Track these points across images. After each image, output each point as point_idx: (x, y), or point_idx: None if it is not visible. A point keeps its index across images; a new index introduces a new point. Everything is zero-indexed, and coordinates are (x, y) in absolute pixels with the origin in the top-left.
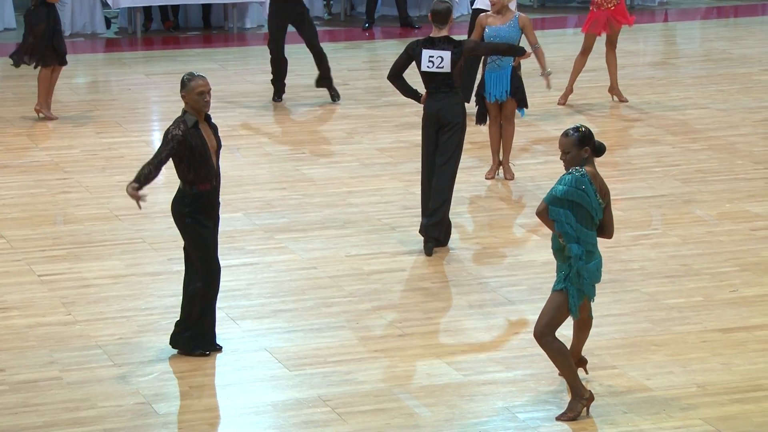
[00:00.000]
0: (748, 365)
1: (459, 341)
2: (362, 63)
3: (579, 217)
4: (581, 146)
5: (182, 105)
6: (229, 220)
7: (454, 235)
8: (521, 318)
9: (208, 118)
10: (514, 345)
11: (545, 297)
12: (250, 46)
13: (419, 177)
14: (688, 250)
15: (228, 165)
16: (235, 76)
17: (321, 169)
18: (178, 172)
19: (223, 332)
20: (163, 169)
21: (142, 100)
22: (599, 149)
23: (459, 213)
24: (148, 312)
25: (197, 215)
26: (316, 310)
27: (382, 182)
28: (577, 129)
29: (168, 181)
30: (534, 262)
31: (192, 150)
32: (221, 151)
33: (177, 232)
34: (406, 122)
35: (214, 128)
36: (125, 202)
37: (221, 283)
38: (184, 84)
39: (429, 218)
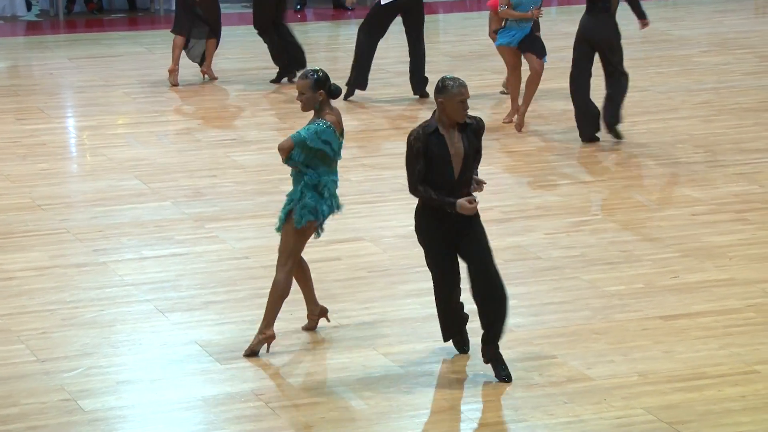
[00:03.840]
0: (690, 353)
1: (396, 332)
2: None
3: (315, 158)
4: (317, 89)
5: (113, 92)
6: (157, 209)
7: (392, 223)
8: None
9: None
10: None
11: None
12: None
13: (355, 162)
14: (628, 236)
15: (155, 152)
16: (163, 60)
17: (253, 156)
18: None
19: (151, 325)
20: (88, 160)
21: (65, 85)
22: (334, 92)
23: (397, 199)
24: (73, 305)
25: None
26: (248, 301)
27: None
28: (315, 72)
29: (92, 169)
30: None
31: (429, 159)
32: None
33: (102, 222)
34: (341, 106)
35: (470, 132)
36: (49, 191)
37: (150, 275)
38: (445, 89)
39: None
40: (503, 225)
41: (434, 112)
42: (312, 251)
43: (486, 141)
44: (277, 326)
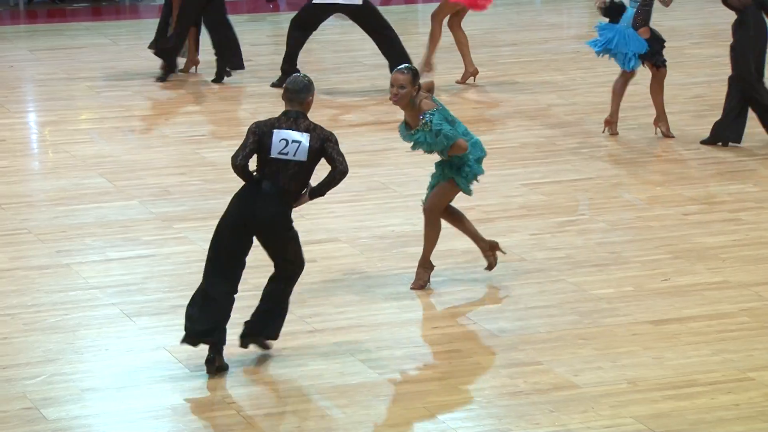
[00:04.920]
0: (681, 359)
1: (374, 337)
2: (266, 37)
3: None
4: (416, 83)
5: (76, 85)
6: (122, 209)
7: (368, 223)
8: (440, 311)
9: None
10: (433, 340)
11: (466, 288)
12: (143, 19)
13: None
14: (616, 237)
15: (121, 148)
16: (128, 52)
17: (223, 153)
18: None
19: (117, 330)
20: (50, 157)
21: (26, 78)
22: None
23: (374, 198)
24: (35, 309)
25: None
26: None
27: None
28: (411, 67)
29: (54, 166)
30: (453, 251)
31: None
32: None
33: (65, 222)
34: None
35: None
36: (9, 190)
37: (115, 277)
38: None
39: None
40: (485, 225)
41: None
42: None
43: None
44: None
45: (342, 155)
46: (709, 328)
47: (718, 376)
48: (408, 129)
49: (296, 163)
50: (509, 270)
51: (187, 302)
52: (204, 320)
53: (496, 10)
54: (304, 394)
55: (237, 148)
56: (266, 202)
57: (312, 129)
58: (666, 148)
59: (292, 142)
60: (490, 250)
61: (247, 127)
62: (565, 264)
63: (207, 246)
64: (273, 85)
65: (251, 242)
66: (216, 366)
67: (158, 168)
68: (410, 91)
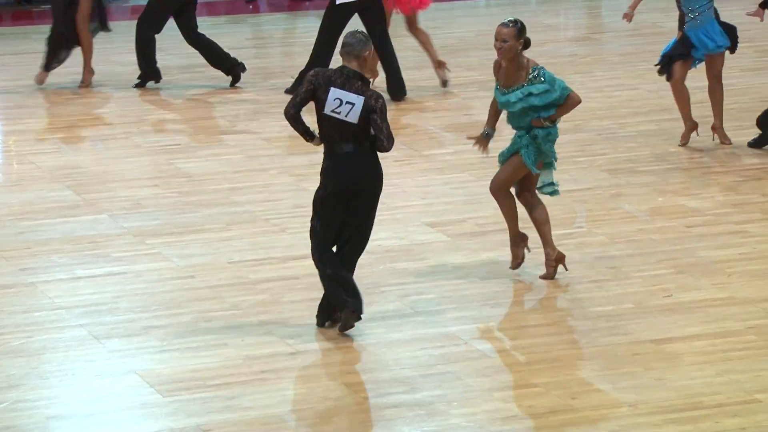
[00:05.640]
0: (684, 380)
1: (359, 359)
2: (245, 40)
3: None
4: (520, 37)
5: (42, 92)
6: (92, 223)
7: None
8: (429, 331)
9: None
10: (422, 362)
11: (457, 306)
12: (114, 21)
13: (312, 170)
14: (616, 251)
15: (90, 159)
16: (99, 56)
17: (199, 163)
18: None
19: (85, 353)
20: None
21: None
22: (529, 42)
23: None
24: None
25: None
26: (193, 325)
27: (270, 177)
28: (516, 20)
29: (19, 178)
30: (443, 266)
31: None
32: None
33: (30, 237)
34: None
35: None
36: None
37: (83, 297)
38: None
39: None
40: (478, 239)
41: None
42: (266, 269)
43: (459, 146)
44: (227, 353)
45: (384, 131)
46: (713, 347)
47: (723, 399)
48: (501, 89)
49: (350, 123)
50: (502, 286)
51: (159, 323)
52: (354, 295)
53: (489, 11)
54: (285, 421)
55: (216, 156)
56: (359, 165)
57: (363, 92)
58: (667, 156)
59: (346, 102)
60: (522, 241)
61: (221, 136)
62: (562, 280)
63: (181, 263)
64: (287, 91)
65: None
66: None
67: (130, 180)
68: (515, 45)
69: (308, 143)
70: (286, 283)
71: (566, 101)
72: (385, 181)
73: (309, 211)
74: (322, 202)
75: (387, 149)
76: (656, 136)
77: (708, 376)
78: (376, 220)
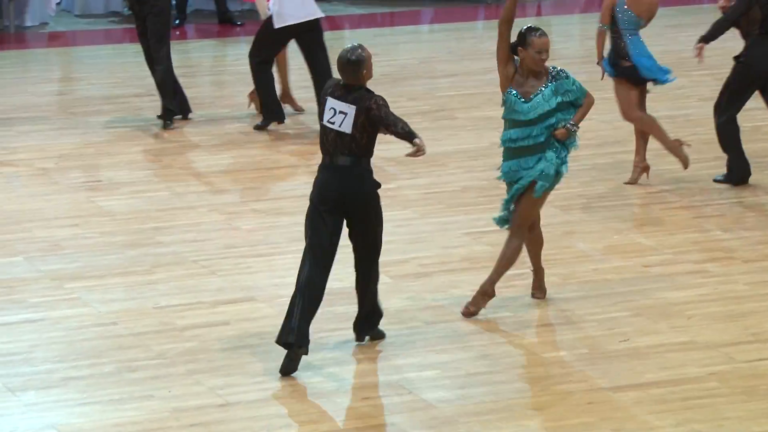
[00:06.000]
0: (642, 431)
1: (295, 411)
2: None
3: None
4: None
5: None
6: (6, 266)
7: (289, 280)
8: (371, 380)
9: None
10: (363, 413)
11: (400, 353)
12: (31, 49)
13: (244, 207)
14: (569, 293)
15: (3, 197)
16: (14, 86)
17: (122, 201)
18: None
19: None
20: None
21: None
22: None
23: (296, 251)
24: None
25: None
26: (116, 376)
27: (199, 215)
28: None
29: None
30: (385, 310)
31: None
32: None
33: None
34: (229, 140)
35: None
36: None
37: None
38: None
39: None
40: (422, 281)
41: None
42: (194, 315)
43: (402, 181)
44: (152, 406)
45: (393, 120)
46: (673, 395)
47: None
48: (522, 98)
49: (344, 134)
50: (449, 331)
51: (80, 374)
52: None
53: (433, 36)
54: None
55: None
56: (346, 179)
57: (358, 100)
58: (622, 191)
59: (339, 112)
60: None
61: (145, 172)
62: (512, 324)
63: (103, 308)
64: (257, 127)
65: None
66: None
67: (47, 219)
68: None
69: None
70: (215, 329)
71: (585, 101)
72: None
73: (241, 252)
74: (309, 215)
75: (408, 135)
76: (611, 169)
77: (668, 426)
78: None
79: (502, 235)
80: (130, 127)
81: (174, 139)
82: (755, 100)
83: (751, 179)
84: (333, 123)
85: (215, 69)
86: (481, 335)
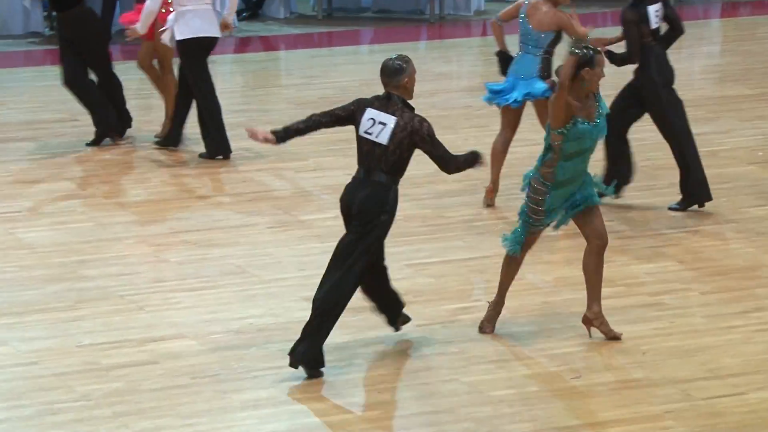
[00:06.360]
0: None
1: None
2: None
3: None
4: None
5: None
6: None
7: (222, 315)
8: (308, 421)
9: None
10: None
11: (339, 392)
12: None
13: (173, 239)
14: (518, 327)
15: None
16: None
17: (43, 232)
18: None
19: None
20: None
21: None
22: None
23: (229, 284)
24: None
25: None
26: (37, 419)
27: (125, 247)
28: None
29: None
30: (325, 345)
31: None
32: None
33: None
34: (157, 167)
35: None
36: None
37: None
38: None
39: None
40: (363, 315)
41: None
42: (121, 353)
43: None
44: None
45: (442, 154)
46: None
47: None
48: (589, 123)
49: (378, 145)
50: (390, 369)
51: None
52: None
53: (372, 57)
54: None
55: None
56: (366, 189)
57: (400, 114)
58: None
59: (379, 123)
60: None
61: (68, 201)
62: (458, 360)
63: (23, 347)
64: (202, 156)
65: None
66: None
67: None
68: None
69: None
70: (143, 368)
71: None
72: (257, 251)
73: (170, 286)
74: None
75: (452, 171)
76: None
77: None
78: (246, 294)
79: (446, 267)
80: (52, 153)
81: (99, 167)
82: (711, 124)
83: (708, 206)
84: (370, 134)
85: (142, 92)
86: (426, 372)
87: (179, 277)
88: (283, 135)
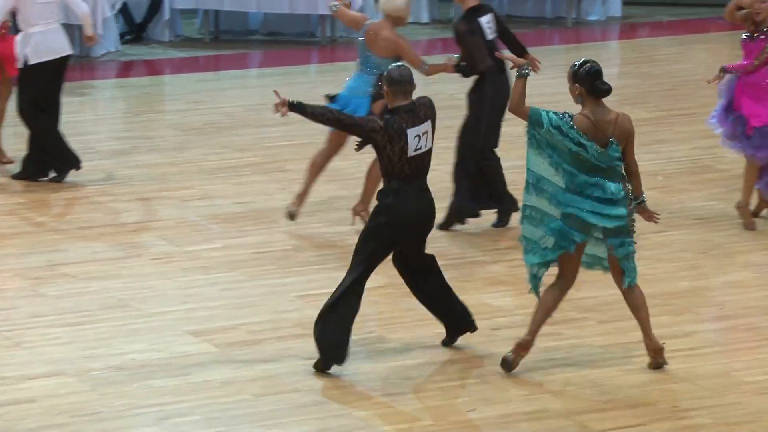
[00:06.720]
0: None
1: None
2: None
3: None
4: (572, 82)
5: None
6: None
7: (102, 351)
8: None
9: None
10: None
11: (227, 430)
12: None
13: (53, 272)
14: (412, 359)
15: None
16: None
17: None
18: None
19: None
20: None
21: None
22: (596, 91)
23: (109, 318)
24: None
25: None
26: None
27: (1, 281)
28: (574, 64)
29: None
30: (209, 383)
31: None
32: None
33: None
34: (34, 197)
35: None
36: None
37: None
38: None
39: None
40: (251, 348)
41: None
42: None
43: (228, 240)
44: None
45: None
46: None
47: None
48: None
49: (427, 151)
50: (281, 404)
51: None
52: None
53: (263, 81)
54: None
55: None
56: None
57: (425, 112)
58: (467, 248)
59: (423, 134)
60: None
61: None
62: (349, 395)
63: None
64: (14, 176)
65: None
66: None
67: None
68: (572, 89)
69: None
70: (21, 407)
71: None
72: (138, 284)
73: (48, 321)
74: (379, 234)
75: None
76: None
77: None
78: (128, 329)
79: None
80: None
81: (23, 206)
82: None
83: None
84: (420, 149)
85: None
86: (316, 407)
87: (57, 311)
88: (296, 108)
